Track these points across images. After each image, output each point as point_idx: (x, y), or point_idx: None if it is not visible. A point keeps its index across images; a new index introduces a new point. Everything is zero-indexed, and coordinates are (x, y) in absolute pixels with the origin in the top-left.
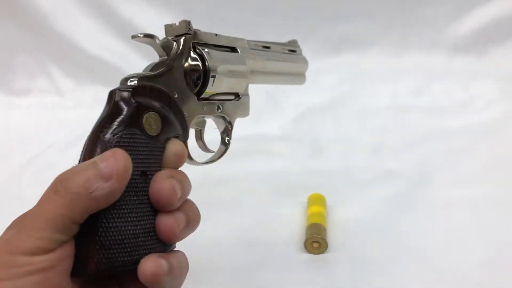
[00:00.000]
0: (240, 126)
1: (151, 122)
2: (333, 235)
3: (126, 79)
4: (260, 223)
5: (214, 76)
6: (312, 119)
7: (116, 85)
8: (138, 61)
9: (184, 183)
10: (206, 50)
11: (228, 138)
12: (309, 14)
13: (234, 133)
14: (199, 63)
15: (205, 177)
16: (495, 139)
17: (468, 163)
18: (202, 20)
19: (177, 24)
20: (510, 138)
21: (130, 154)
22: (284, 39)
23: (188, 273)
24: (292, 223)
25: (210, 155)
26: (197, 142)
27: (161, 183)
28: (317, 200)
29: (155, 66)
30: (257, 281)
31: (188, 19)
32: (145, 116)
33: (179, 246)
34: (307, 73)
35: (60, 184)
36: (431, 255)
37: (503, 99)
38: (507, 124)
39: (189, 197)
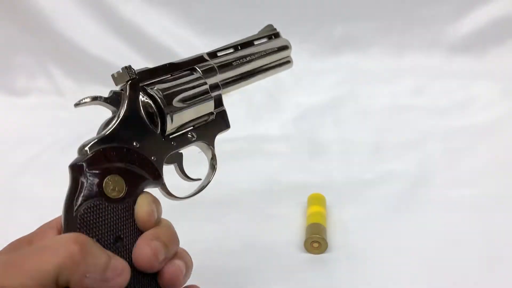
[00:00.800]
0: (240, 126)
1: (112, 185)
2: (333, 235)
3: (83, 146)
4: (259, 223)
5: (171, 112)
6: (312, 119)
7: (116, 85)
8: (139, 61)
9: (169, 241)
10: (155, 88)
11: (215, 163)
12: (309, 14)
13: (235, 133)
14: (152, 104)
15: None
16: (495, 139)
17: (468, 163)
18: (202, 20)
19: (120, 71)
20: (510, 138)
21: (96, 227)
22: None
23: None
24: (292, 223)
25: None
26: (179, 176)
27: (140, 249)
28: (317, 200)
29: (108, 122)
30: (257, 281)
31: (188, 19)
32: (104, 182)
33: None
34: (308, 72)
35: (81, 241)
36: (431, 255)
37: (503, 99)
38: (507, 124)
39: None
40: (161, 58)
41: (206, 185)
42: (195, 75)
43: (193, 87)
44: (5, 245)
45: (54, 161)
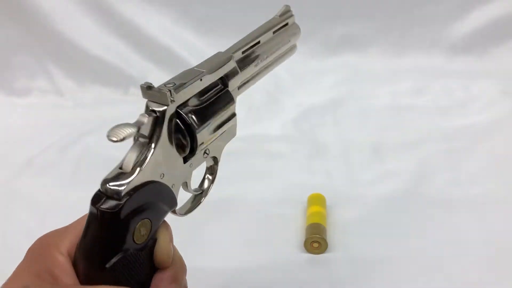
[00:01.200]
0: (240, 126)
1: (142, 231)
2: (333, 235)
3: (105, 181)
4: (260, 223)
5: (202, 141)
6: (312, 119)
7: (116, 85)
8: (139, 61)
9: (182, 279)
10: (190, 114)
11: (211, 177)
12: (309, 14)
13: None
14: (185, 131)
15: None
16: (495, 139)
17: (468, 163)
18: (202, 20)
19: (156, 88)
20: (510, 138)
21: (125, 277)
22: None
23: (187, 273)
24: (292, 223)
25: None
26: (184, 191)
27: None
28: (317, 200)
29: (138, 153)
30: (257, 281)
31: (188, 19)
32: (135, 230)
33: (179, 248)
34: (308, 72)
35: None
36: (431, 255)
37: (503, 99)
38: (507, 124)
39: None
40: (161, 58)
41: (203, 198)
42: (230, 102)
43: (225, 111)
44: (4, 245)
45: (54, 161)
